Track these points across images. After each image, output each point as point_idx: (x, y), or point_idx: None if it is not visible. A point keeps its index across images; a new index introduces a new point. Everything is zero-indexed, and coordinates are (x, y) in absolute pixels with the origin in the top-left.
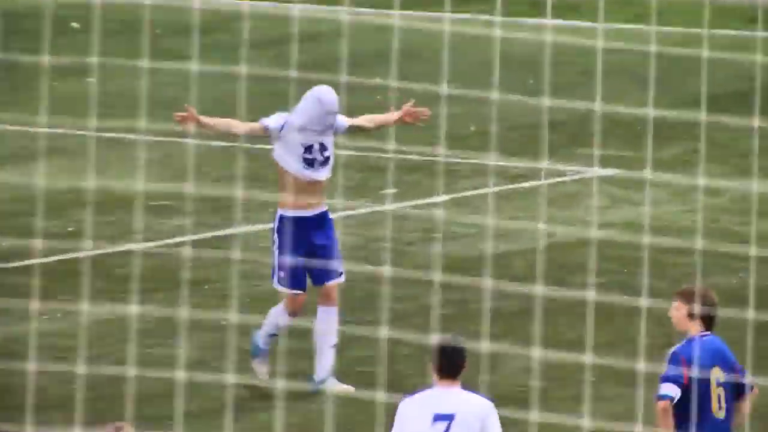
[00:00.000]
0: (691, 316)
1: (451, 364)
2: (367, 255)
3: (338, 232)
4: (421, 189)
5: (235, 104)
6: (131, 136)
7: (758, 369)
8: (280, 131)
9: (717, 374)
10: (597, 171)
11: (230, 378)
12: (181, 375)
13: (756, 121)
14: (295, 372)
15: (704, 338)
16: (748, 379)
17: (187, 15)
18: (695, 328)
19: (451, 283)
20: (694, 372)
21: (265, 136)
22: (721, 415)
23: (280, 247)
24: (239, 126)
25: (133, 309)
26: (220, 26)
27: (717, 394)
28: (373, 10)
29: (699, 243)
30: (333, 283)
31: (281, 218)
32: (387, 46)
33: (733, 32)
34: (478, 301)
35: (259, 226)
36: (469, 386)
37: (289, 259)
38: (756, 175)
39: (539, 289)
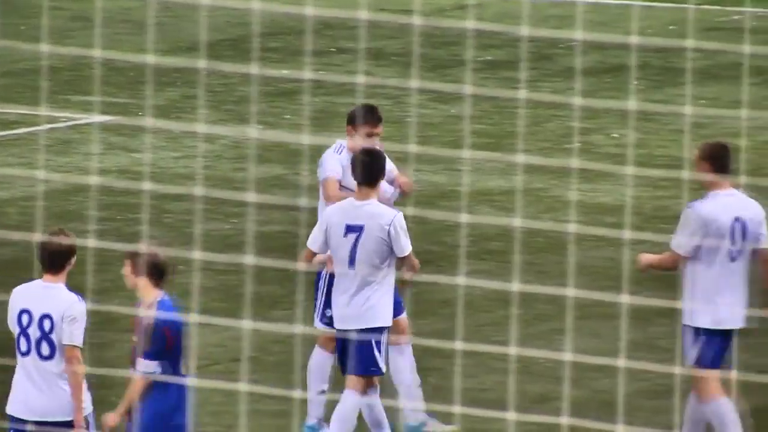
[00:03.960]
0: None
1: (365, 173)
2: None
3: None
4: None
5: None
6: None
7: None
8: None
9: None
10: (93, 117)
11: None
12: None
13: (254, 69)
14: None
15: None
16: None
17: None
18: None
19: None
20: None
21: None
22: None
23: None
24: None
25: None
26: None
27: None
28: None
29: (197, 189)
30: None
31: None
32: None
33: None
34: None
35: None
36: None
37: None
38: (252, 121)
39: (37, 237)
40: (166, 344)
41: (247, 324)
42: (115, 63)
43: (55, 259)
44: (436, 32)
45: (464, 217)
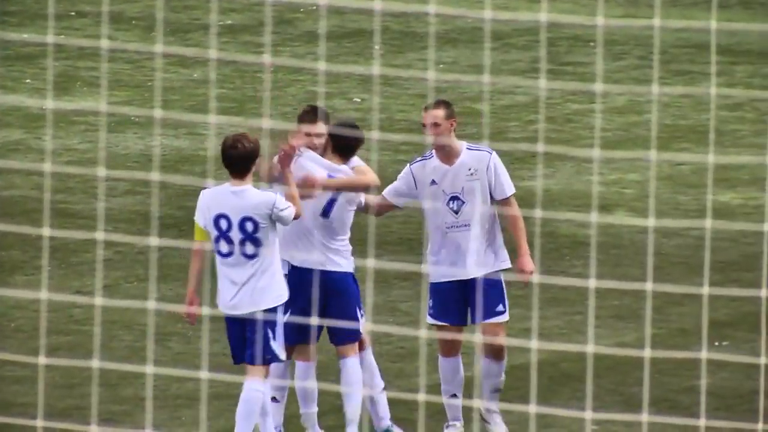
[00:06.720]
0: None
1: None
2: None
3: None
4: None
5: None
6: None
7: None
8: None
9: None
10: None
11: None
12: None
13: None
14: None
15: None
16: None
17: None
18: None
19: None
20: None
21: None
22: None
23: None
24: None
25: None
26: None
27: None
28: None
29: None
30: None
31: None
32: None
33: None
34: None
35: None
36: None
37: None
38: None
39: None
40: None
41: None
42: None
43: (239, 163)
44: None
45: (210, 182)
